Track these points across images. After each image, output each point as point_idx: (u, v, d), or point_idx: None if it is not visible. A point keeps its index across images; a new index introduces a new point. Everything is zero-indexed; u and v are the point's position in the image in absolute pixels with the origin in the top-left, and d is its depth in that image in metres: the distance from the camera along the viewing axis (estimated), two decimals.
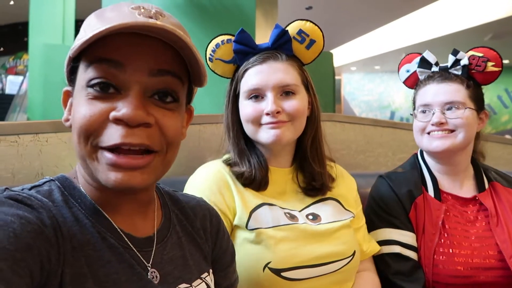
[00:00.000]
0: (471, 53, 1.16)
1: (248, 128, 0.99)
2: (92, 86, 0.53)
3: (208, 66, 1.05)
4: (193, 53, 0.56)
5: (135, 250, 0.59)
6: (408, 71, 1.27)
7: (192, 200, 0.77)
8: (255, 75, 0.97)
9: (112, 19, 0.52)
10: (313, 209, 1.01)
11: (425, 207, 1.13)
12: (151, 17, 0.54)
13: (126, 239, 0.58)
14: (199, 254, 0.71)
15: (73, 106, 0.57)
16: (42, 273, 0.47)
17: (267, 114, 0.95)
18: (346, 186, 1.11)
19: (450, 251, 1.07)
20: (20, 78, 6.12)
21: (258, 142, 1.01)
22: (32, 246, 0.46)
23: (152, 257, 0.61)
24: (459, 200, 1.16)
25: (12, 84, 6.25)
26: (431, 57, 1.20)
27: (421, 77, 1.23)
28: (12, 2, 8.02)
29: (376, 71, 11.42)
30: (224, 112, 1.05)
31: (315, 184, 1.02)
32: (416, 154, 1.28)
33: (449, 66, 1.17)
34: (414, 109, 1.23)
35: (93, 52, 0.53)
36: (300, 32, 1.00)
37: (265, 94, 0.96)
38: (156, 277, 0.60)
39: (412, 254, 1.10)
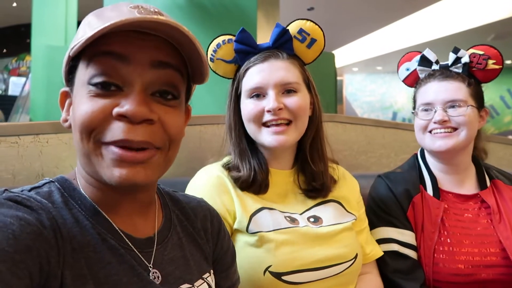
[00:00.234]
0: (471, 51, 1.16)
1: (250, 128, 0.99)
2: (94, 84, 0.53)
3: (210, 66, 1.05)
4: (196, 47, 0.56)
5: (136, 251, 0.59)
6: (408, 69, 1.26)
7: (193, 201, 0.77)
8: (257, 74, 0.97)
9: (113, 17, 0.53)
10: (314, 211, 1.00)
11: (424, 206, 1.13)
12: (149, 15, 0.54)
13: (126, 240, 0.58)
14: (200, 255, 0.71)
15: (73, 104, 0.56)
16: (41, 275, 0.47)
17: (269, 111, 0.94)
18: (348, 188, 1.10)
19: (451, 249, 1.06)
20: (23, 79, 6.15)
21: (260, 144, 1.00)
22: (31, 247, 0.46)
23: (153, 257, 0.61)
24: (460, 197, 1.16)
25: (14, 85, 6.28)
26: (431, 55, 1.20)
27: (421, 76, 1.22)
28: (14, 4, 8.05)
29: (378, 72, 11.40)
30: (226, 112, 1.04)
31: (315, 185, 1.02)
32: (416, 154, 1.27)
33: (449, 64, 1.17)
34: (414, 107, 1.22)
35: (94, 48, 0.53)
36: (301, 31, 1.00)
37: (266, 92, 0.96)
38: (158, 277, 0.60)
39: (410, 253, 1.09)
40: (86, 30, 0.54)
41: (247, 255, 0.89)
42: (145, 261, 0.59)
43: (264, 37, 2.65)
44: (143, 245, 0.60)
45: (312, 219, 0.98)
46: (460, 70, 1.15)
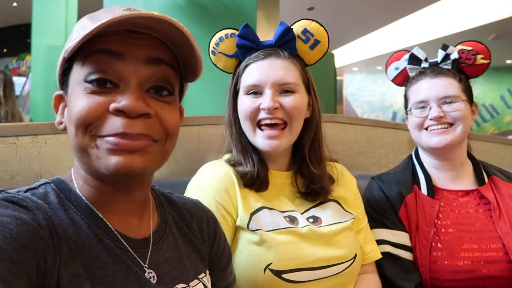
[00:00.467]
0: (460, 47, 1.18)
1: (246, 127, 0.99)
2: (89, 81, 0.54)
3: (210, 59, 1.05)
4: (191, 43, 0.57)
5: (132, 251, 0.59)
6: (397, 68, 1.27)
7: (189, 202, 0.78)
8: (256, 71, 0.97)
9: (107, 18, 0.53)
10: (313, 212, 1.00)
11: (418, 205, 1.13)
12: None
13: (122, 240, 0.59)
14: (196, 255, 0.71)
15: (69, 104, 0.57)
16: (38, 274, 0.47)
17: (264, 109, 0.94)
18: (346, 187, 1.10)
19: (450, 246, 1.06)
20: (23, 79, 6.14)
21: (254, 145, 1.00)
22: (28, 246, 0.46)
23: (148, 258, 0.61)
24: (458, 193, 1.16)
25: (15, 85, 6.27)
26: (420, 54, 1.22)
27: (411, 74, 1.23)
28: (15, 4, 8.05)
29: (378, 72, 11.38)
30: (226, 108, 1.04)
31: (314, 187, 1.01)
32: (411, 154, 1.28)
33: (439, 61, 1.18)
34: (406, 106, 1.23)
35: (89, 48, 0.54)
36: (305, 31, 0.99)
37: (263, 90, 0.95)
38: (154, 277, 0.60)
39: (404, 254, 1.09)
40: (80, 32, 0.55)
41: (248, 253, 0.89)
42: (141, 261, 0.60)
43: (264, 36, 2.64)
44: (139, 246, 0.61)
45: (311, 220, 0.98)
46: (449, 67, 1.17)
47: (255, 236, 0.89)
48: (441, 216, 1.11)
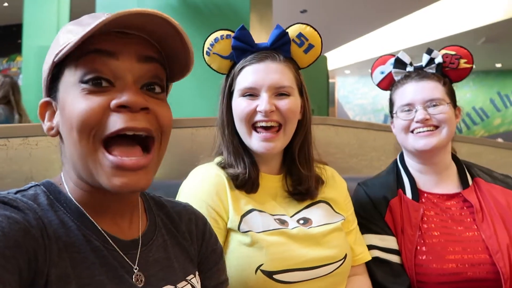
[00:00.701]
0: (444, 51, 1.21)
1: (241, 129, 0.99)
2: (86, 81, 0.55)
3: (205, 60, 1.05)
4: (182, 38, 0.58)
5: (121, 253, 0.60)
6: (382, 72, 1.29)
7: (178, 205, 0.79)
8: (252, 74, 0.97)
9: (95, 23, 0.55)
10: (304, 213, 1.01)
11: (402, 209, 1.14)
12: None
13: (111, 241, 0.59)
14: (184, 257, 0.72)
15: (65, 107, 0.57)
16: (29, 272, 0.48)
17: (260, 112, 0.95)
18: (337, 189, 1.10)
19: (435, 249, 1.07)
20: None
21: (249, 147, 1.01)
22: (20, 244, 0.47)
23: (137, 259, 0.62)
24: (442, 197, 1.17)
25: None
26: (405, 58, 1.23)
27: (396, 78, 1.25)
28: (6, 4, 7.96)
29: (370, 75, 11.44)
30: (219, 109, 1.04)
31: (300, 188, 1.02)
32: (396, 159, 1.29)
33: (424, 65, 1.20)
34: (392, 110, 1.25)
35: (80, 50, 0.55)
36: (300, 35, 1.00)
37: (259, 93, 0.96)
38: (141, 280, 0.61)
39: (392, 258, 1.10)
40: (69, 37, 0.56)
41: (239, 254, 0.90)
42: (130, 263, 0.60)
43: (257, 38, 2.64)
44: (128, 247, 0.62)
45: (302, 221, 0.99)
46: (434, 71, 1.19)
47: (246, 237, 0.90)
48: (425, 219, 1.12)
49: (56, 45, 0.58)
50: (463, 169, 1.22)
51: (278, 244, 0.90)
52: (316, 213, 1.01)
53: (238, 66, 1.00)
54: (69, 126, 0.55)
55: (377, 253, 1.11)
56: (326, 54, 6.71)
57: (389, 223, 1.14)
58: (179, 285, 0.67)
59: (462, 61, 1.18)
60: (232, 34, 1.01)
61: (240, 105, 0.98)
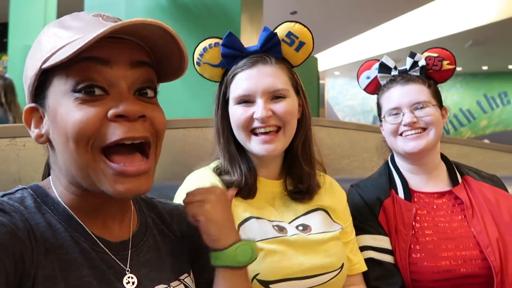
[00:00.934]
0: (426, 54, 1.23)
1: (239, 136, 0.97)
2: (79, 90, 0.54)
3: (196, 70, 1.03)
4: (177, 43, 0.57)
5: (111, 254, 0.60)
6: (368, 77, 1.31)
7: (169, 205, 0.79)
8: (244, 80, 0.95)
9: (84, 27, 0.55)
10: (302, 220, 0.99)
11: (396, 209, 1.16)
12: (116, 22, 0.56)
13: (100, 243, 0.59)
14: (177, 256, 0.72)
15: (58, 117, 0.55)
16: (16, 274, 0.48)
17: (257, 119, 0.93)
18: (336, 198, 1.09)
19: (428, 247, 1.09)
20: None
21: (249, 151, 0.99)
22: (7, 246, 0.47)
23: (128, 260, 0.62)
24: (433, 196, 1.19)
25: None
26: (390, 62, 1.25)
27: (382, 82, 1.26)
28: None
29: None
30: (214, 117, 1.03)
31: (301, 187, 1.01)
32: (387, 161, 1.30)
33: (408, 69, 1.22)
34: (380, 114, 1.26)
35: (72, 57, 0.52)
36: (289, 34, 0.98)
37: (255, 99, 0.94)
38: (133, 282, 0.61)
39: (386, 258, 1.11)
40: (56, 42, 0.55)
41: None
42: (121, 264, 0.60)
43: (248, 39, 2.64)
44: (118, 249, 0.62)
45: (300, 227, 0.97)
46: (418, 73, 1.21)
47: None
48: (418, 218, 1.14)
49: (39, 50, 0.56)
50: (453, 167, 1.25)
51: (275, 253, 0.89)
52: (315, 220, 1.00)
53: (230, 73, 0.98)
54: (64, 137, 0.54)
55: (371, 254, 1.12)
56: (316, 56, 6.74)
57: (383, 223, 1.16)
58: (173, 284, 0.67)
59: (445, 62, 1.21)
60: (220, 42, 0.99)
61: (236, 113, 0.96)
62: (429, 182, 1.22)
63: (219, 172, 0.99)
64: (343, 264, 0.97)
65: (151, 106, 0.59)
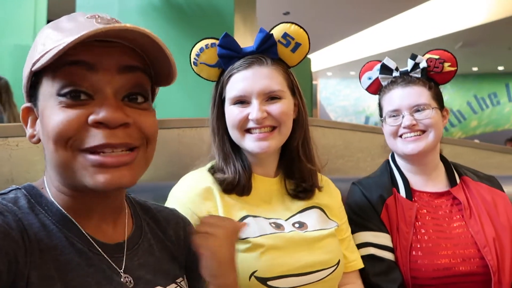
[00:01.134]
0: (427, 56, 1.23)
1: (234, 135, 0.98)
2: (63, 94, 0.53)
3: (193, 70, 1.04)
4: (164, 52, 0.57)
5: (105, 256, 0.59)
6: (370, 78, 1.31)
7: (165, 210, 0.79)
8: (240, 81, 0.96)
9: (73, 29, 0.54)
10: (299, 217, 1.00)
11: (397, 208, 1.17)
12: (109, 24, 0.55)
13: (95, 244, 0.59)
14: (172, 261, 0.72)
15: (43, 118, 0.56)
16: (9, 274, 0.47)
17: (252, 120, 0.94)
18: (331, 197, 1.11)
19: (428, 246, 1.11)
20: None
21: (244, 149, 1.00)
22: (0, 246, 0.47)
23: (124, 263, 0.61)
24: (432, 196, 1.21)
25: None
26: (391, 63, 1.26)
27: (383, 83, 1.27)
28: None
29: (351, 77, 11.60)
30: (210, 116, 1.03)
31: (305, 185, 1.02)
32: (388, 159, 1.31)
33: (409, 70, 1.23)
34: (381, 114, 1.27)
35: (58, 60, 0.52)
36: (285, 35, 0.99)
37: (250, 100, 0.95)
38: (130, 281, 0.61)
39: (387, 255, 1.13)
40: (47, 44, 0.54)
41: None
42: (116, 267, 0.60)
43: (241, 39, 2.63)
44: (113, 251, 0.61)
45: (297, 225, 0.98)
46: (419, 75, 1.21)
47: (243, 244, 0.89)
48: (418, 217, 1.16)
49: (34, 50, 0.57)
50: (451, 168, 1.26)
51: (273, 249, 0.89)
52: (311, 218, 1.01)
53: (226, 73, 0.99)
54: (46, 137, 0.55)
55: (372, 250, 1.13)
56: (309, 56, 6.76)
57: (385, 221, 1.17)
58: (169, 287, 0.67)
59: (446, 64, 1.21)
60: (217, 42, 0.99)
61: (232, 113, 0.97)
62: (429, 182, 1.23)
63: (213, 171, 0.99)
64: (339, 261, 0.98)
65: (139, 111, 0.58)
